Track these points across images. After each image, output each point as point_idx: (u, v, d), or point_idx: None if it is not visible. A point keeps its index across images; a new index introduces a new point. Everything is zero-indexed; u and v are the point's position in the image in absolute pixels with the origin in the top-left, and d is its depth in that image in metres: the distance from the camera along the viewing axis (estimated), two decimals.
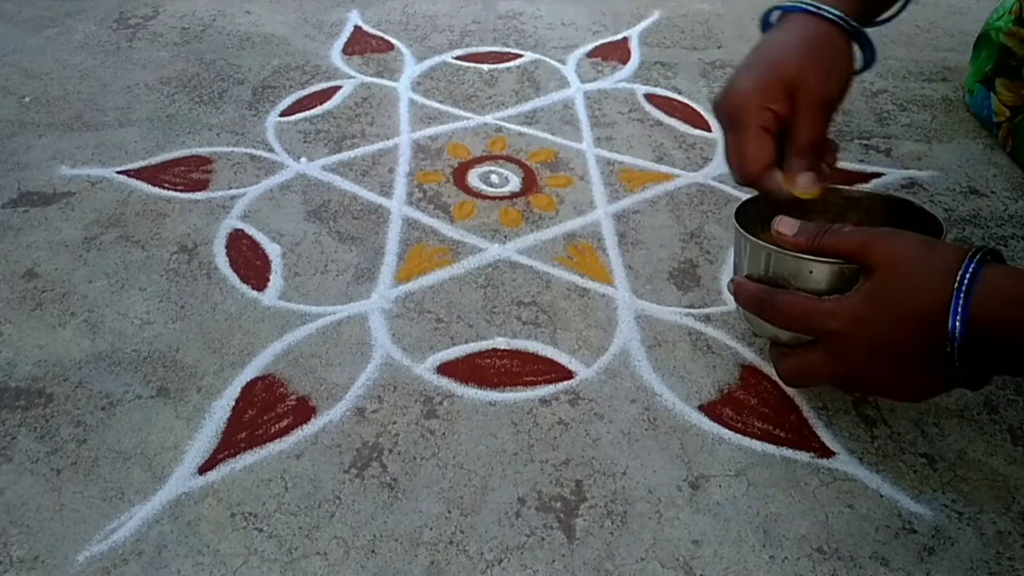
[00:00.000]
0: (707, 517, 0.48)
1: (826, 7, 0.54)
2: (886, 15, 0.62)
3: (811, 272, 0.48)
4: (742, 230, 0.52)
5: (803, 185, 0.52)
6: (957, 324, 0.42)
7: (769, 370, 0.57)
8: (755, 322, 0.52)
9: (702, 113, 0.86)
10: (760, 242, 0.50)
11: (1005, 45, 0.79)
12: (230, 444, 0.52)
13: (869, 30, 0.56)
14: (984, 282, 0.42)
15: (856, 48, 0.55)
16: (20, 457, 0.51)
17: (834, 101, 0.54)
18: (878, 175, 0.77)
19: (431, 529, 0.48)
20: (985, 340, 0.42)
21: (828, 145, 0.56)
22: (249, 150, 0.79)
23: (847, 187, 0.59)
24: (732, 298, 0.53)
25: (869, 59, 0.57)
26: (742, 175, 0.54)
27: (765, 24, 0.58)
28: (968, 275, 0.42)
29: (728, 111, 0.53)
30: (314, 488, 0.50)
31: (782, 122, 0.53)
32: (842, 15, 0.54)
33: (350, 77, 0.92)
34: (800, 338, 0.49)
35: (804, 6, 0.54)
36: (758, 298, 0.50)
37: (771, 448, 0.52)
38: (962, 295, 0.42)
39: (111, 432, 0.53)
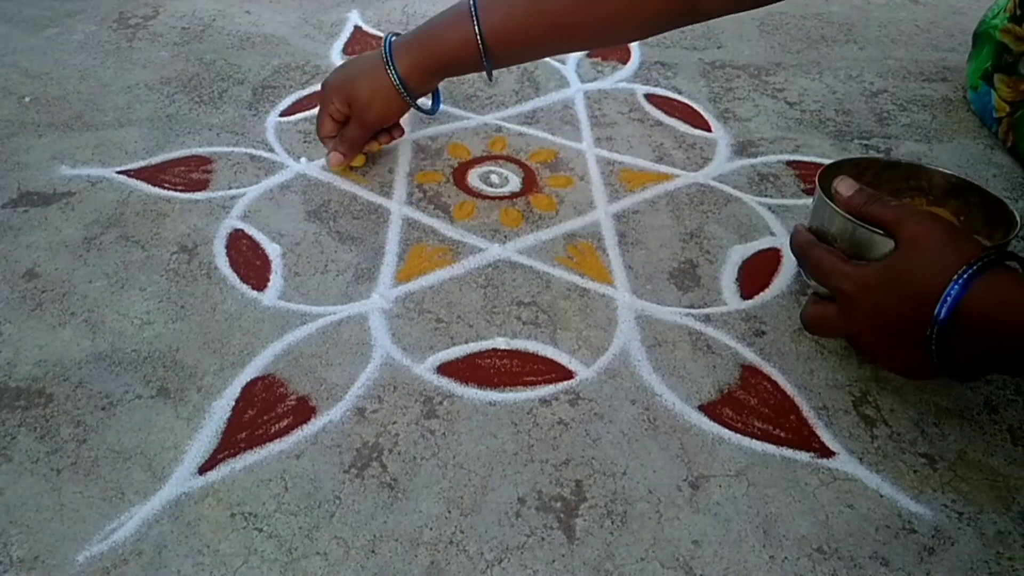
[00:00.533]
0: (707, 517, 0.48)
1: (390, 71, 0.69)
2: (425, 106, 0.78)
3: (852, 233, 0.52)
4: (820, 182, 0.56)
5: (334, 162, 0.75)
6: (943, 310, 0.44)
7: (769, 370, 0.58)
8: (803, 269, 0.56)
9: (702, 113, 0.86)
10: (825, 197, 0.54)
11: (1002, 42, 0.80)
12: (230, 444, 0.52)
13: None
14: (986, 280, 0.44)
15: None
16: (20, 457, 0.51)
17: (377, 125, 0.74)
18: None
19: (431, 529, 0.48)
20: (967, 331, 0.44)
21: None
22: (249, 150, 0.79)
23: (958, 175, 0.61)
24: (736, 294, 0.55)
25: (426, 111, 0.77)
26: (317, 134, 0.74)
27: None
28: (973, 269, 0.44)
29: (321, 94, 0.73)
30: (314, 488, 0.50)
31: (344, 117, 0.72)
32: (400, 81, 0.69)
33: None
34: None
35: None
36: (801, 245, 0.54)
37: (771, 448, 0.52)
38: (958, 285, 0.44)
39: (111, 432, 0.53)
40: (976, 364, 0.47)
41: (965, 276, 0.44)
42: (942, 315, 0.45)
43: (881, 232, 0.50)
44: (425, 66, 0.69)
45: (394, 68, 0.68)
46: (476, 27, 0.65)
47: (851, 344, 0.56)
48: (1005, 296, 0.44)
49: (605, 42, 0.85)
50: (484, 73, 0.69)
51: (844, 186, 0.53)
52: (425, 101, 0.79)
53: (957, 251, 0.46)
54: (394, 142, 0.78)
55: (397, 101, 0.70)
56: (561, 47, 0.76)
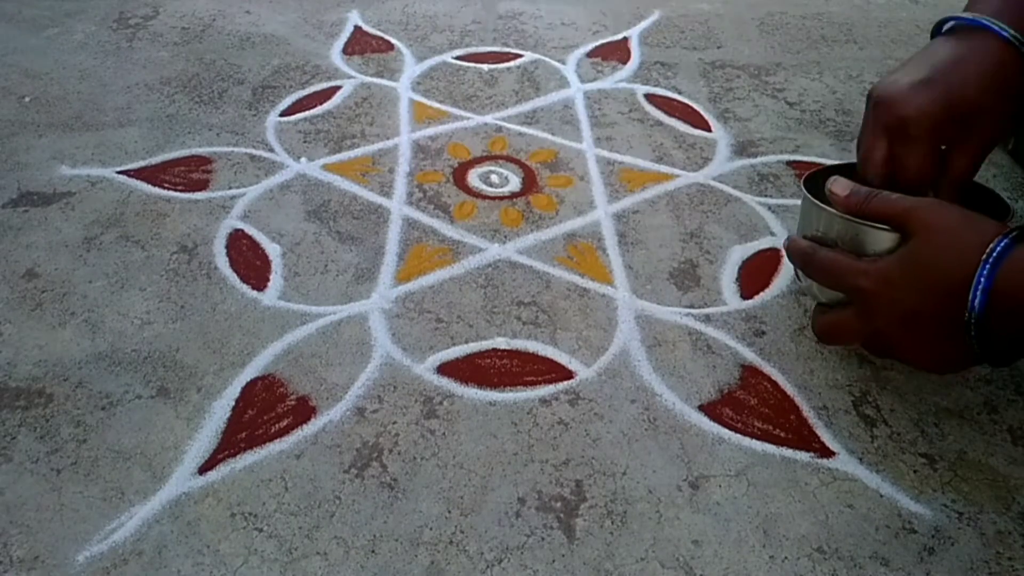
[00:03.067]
0: (707, 517, 0.48)
1: (1007, 28, 0.51)
2: None
3: (857, 234, 0.50)
4: (805, 190, 0.55)
5: None
6: (978, 295, 0.43)
7: (769, 370, 0.57)
8: (804, 281, 0.55)
9: (702, 113, 0.86)
10: (817, 202, 0.53)
11: None
12: (230, 444, 0.52)
13: None
14: (1013, 258, 0.42)
15: None
16: (20, 457, 0.51)
17: (1002, 139, 0.54)
18: None
19: (431, 529, 0.48)
20: (1006, 315, 0.42)
21: None
22: (249, 150, 0.79)
23: None
24: (736, 294, 0.54)
25: None
26: (903, 184, 0.52)
27: (937, 31, 0.57)
28: (999, 249, 0.43)
29: (898, 120, 0.52)
30: (314, 488, 0.50)
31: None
32: (1020, 37, 0.51)
33: (350, 77, 0.92)
34: (840, 300, 0.51)
35: (986, 23, 0.52)
36: (804, 253, 0.52)
37: (771, 448, 0.52)
38: (987, 267, 0.42)
39: (111, 432, 0.53)
40: (1016, 346, 0.45)
41: (994, 256, 0.42)
42: (977, 299, 0.43)
43: (888, 228, 0.48)
44: None
45: (1004, 27, 0.51)
46: None
47: (870, 347, 0.52)
48: None
49: None
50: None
51: (839, 186, 0.51)
52: None
53: (977, 232, 0.44)
54: None
55: (1017, 80, 0.52)
56: None
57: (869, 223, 0.49)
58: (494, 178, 0.76)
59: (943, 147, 0.52)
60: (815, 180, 0.56)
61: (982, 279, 0.43)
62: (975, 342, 0.44)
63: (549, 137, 0.82)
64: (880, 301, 0.47)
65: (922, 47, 0.56)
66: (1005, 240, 0.43)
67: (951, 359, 0.47)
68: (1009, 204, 0.53)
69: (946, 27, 0.56)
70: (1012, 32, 0.52)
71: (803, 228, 0.55)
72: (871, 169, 0.54)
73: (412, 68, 0.94)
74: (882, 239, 0.49)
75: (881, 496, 0.50)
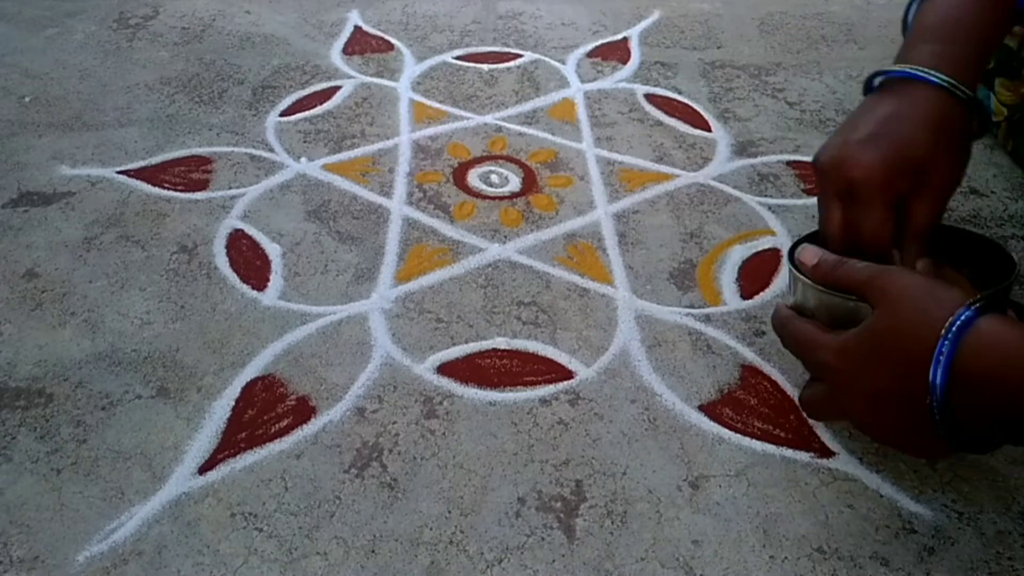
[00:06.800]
0: (707, 517, 0.48)
1: (941, 75, 0.49)
2: None
3: (829, 305, 0.47)
4: (789, 257, 0.51)
5: (922, 270, 0.49)
6: (939, 373, 0.38)
7: (769, 370, 0.58)
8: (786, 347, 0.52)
9: (702, 113, 0.86)
10: (794, 269, 0.50)
11: (1007, 45, 0.79)
12: (230, 444, 0.52)
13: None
14: (977, 331, 0.38)
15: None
16: (20, 457, 0.51)
17: (957, 186, 0.51)
18: None
19: (431, 529, 0.48)
20: (971, 397, 0.38)
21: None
22: (249, 150, 0.79)
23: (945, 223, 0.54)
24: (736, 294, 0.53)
25: (983, 127, 0.53)
26: (862, 248, 0.50)
27: (868, 87, 0.55)
28: (959, 322, 0.39)
29: (846, 183, 0.50)
30: (314, 488, 0.50)
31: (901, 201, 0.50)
32: (957, 83, 0.49)
33: (350, 77, 0.92)
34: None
35: (919, 74, 0.50)
36: (779, 322, 0.49)
37: (771, 448, 0.52)
38: (947, 342, 0.38)
39: (111, 432, 0.53)
40: (990, 433, 0.40)
41: (953, 330, 0.38)
42: (938, 379, 0.38)
43: (855, 298, 0.45)
44: (969, 55, 0.51)
45: (959, 88, 0.49)
46: None
47: (855, 425, 0.49)
48: (1004, 348, 0.38)
49: None
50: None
51: (808, 255, 0.48)
52: None
53: (938, 303, 0.40)
54: None
55: (961, 126, 0.50)
56: None
57: (840, 294, 0.46)
58: (494, 178, 0.76)
59: (899, 203, 0.49)
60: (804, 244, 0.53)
61: (941, 356, 0.38)
62: (941, 427, 0.39)
63: (549, 137, 0.82)
64: (842, 378, 0.44)
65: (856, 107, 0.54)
66: (967, 312, 0.39)
67: (928, 443, 0.42)
68: (1015, 259, 0.49)
69: (877, 81, 0.54)
70: (946, 79, 0.50)
71: (791, 296, 0.52)
72: (831, 237, 0.51)
73: (412, 68, 0.94)
74: (854, 311, 0.45)
75: (881, 496, 0.50)
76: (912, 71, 0.50)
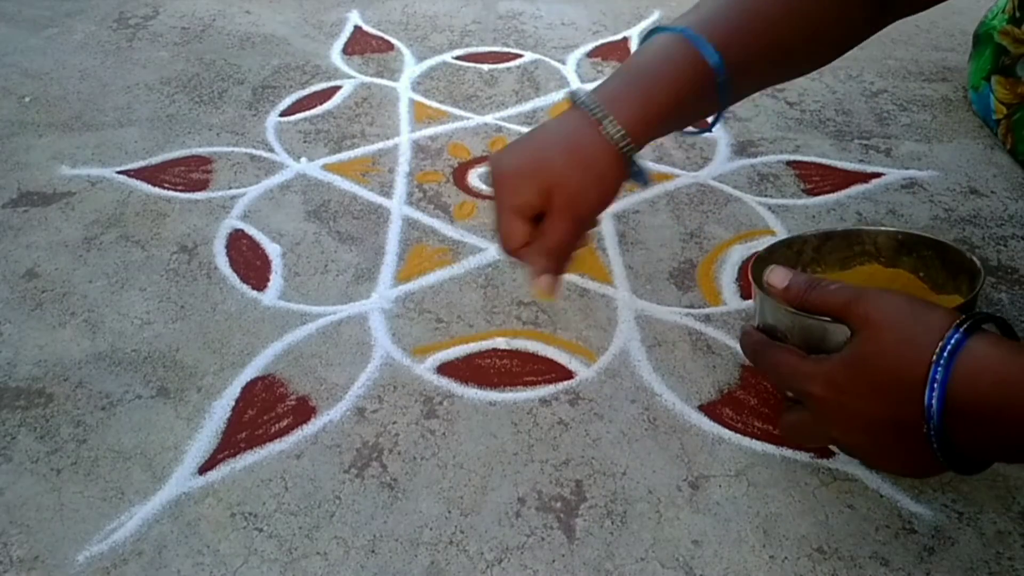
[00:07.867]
0: (707, 517, 0.48)
1: (607, 114, 0.49)
2: (692, 129, 0.59)
3: (804, 329, 0.45)
4: (754, 276, 0.50)
5: (540, 286, 0.49)
6: (934, 400, 0.38)
7: None
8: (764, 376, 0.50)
9: None
10: (763, 292, 0.47)
11: (1000, 44, 0.80)
12: (230, 444, 0.52)
13: None
14: (968, 354, 0.38)
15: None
16: (20, 457, 0.51)
17: (591, 214, 0.51)
18: (878, 175, 0.77)
19: (431, 529, 0.48)
20: (967, 421, 0.38)
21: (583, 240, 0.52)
22: (249, 150, 0.79)
23: (902, 229, 0.54)
24: (736, 294, 0.53)
25: (636, 175, 0.52)
26: (500, 248, 0.51)
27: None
28: (950, 345, 0.38)
29: (491, 182, 0.50)
30: (314, 488, 0.50)
31: (537, 213, 0.49)
32: (614, 125, 0.48)
33: (350, 77, 0.92)
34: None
35: (589, 105, 0.49)
36: (753, 348, 0.47)
37: (771, 448, 0.52)
38: (940, 368, 0.38)
39: (111, 432, 0.53)
40: (986, 455, 0.40)
41: (944, 355, 0.38)
42: (934, 404, 0.38)
43: (830, 319, 0.43)
44: (649, 116, 0.50)
45: (610, 124, 0.49)
46: (704, 50, 0.50)
47: (840, 450, 0.49)
48: (997, 369, 0.37)
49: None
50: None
51: (776, 277, 0.46)
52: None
53: (925, 326, 0.39)
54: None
55: (614, 174, 0.50)
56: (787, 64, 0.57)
57: (814, 316, 0.44)
58: None
59: (534, 214, 0.49)
60: (768, 259, 0.52)
61: (935, 381, 0.38)
62: (937, 451, 0.39)
63: None
64: (830, 407, 0.42)
65: None
66: (956, 334, 0.38)
67: (922, 464, 0.41)
68: (979, 265, 0.48)
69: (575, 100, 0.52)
70: (607, 118, 0.49)
71: (759, 316, 0.49)
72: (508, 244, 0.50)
73: (412, 68, 0.94)
74: (830, 333, 0.44)
75: (881, 496, 0.50)
76: (586, 100, 0.50)
